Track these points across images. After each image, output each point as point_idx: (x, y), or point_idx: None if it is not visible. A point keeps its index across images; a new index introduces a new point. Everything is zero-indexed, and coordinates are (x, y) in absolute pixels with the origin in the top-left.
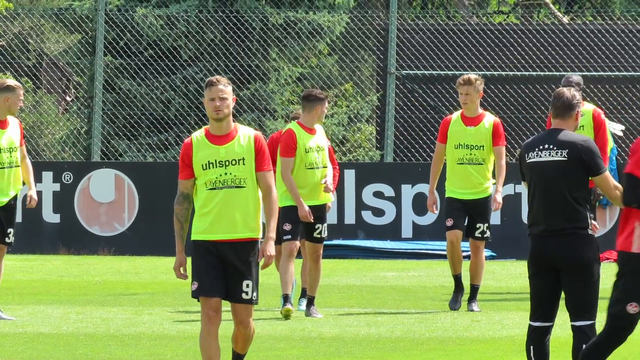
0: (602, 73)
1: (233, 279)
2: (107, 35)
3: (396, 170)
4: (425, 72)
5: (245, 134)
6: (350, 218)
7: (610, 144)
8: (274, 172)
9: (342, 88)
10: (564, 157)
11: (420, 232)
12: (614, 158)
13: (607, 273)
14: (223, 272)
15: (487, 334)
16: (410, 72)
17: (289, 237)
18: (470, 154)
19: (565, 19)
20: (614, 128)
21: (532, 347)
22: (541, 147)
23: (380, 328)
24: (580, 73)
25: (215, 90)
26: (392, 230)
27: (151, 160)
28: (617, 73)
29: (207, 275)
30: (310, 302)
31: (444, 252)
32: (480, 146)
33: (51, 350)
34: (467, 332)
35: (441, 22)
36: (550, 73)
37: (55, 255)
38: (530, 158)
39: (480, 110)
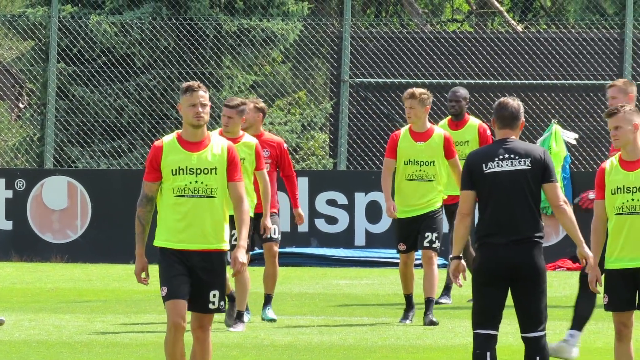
0: (556, 81)
1: (199, 288)
2: (60, 42)
3: (349, 178)
4: (379, 80)
5: (218, 144)
6: (303, 226)
7: (564, 152)
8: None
9: (296, 96)
10: (528, 165)
11: (373, 240)
12: (567, 167)
13: (561, 281)
14: (189, 280)
15: (440, 342)
16: (364, 80)
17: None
18: (420, 170)
19: (520, 28)
20: (568, 137)
21: (488, 353)
22: (500, 157)
23: (332, 336)
24: (535, 81)
25: (197, 96)
26: (345, 238)
27: (104, 167)
28: (571, 81)
29: (173, 277)
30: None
31: (397, 260)
32: (431, 162)
33: (3, 357)
34: (419, 340)
35: (395, 30)
36: (505, 81)
37: (7, 263)
38: (489, 168)
39: (429, 125)
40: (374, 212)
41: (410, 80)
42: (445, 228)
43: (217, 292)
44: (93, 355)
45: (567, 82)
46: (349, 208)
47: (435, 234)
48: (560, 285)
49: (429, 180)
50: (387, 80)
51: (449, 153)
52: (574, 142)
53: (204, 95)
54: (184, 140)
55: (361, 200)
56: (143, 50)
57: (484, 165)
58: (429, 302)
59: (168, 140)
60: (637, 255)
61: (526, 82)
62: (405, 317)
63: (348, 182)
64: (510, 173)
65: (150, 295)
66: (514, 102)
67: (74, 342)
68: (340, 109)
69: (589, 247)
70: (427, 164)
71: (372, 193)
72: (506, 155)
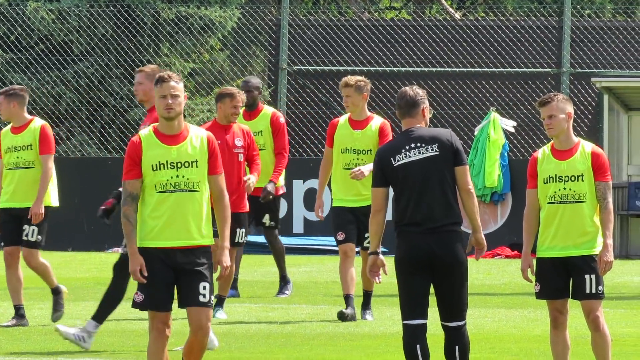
0: (494, 69)
1: (188, 283)
2: None
3: (288, 166)
4: (317, 67)
5: (197, 135)
6: None
7: (502, 140)
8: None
9: (234, 84)
10: (436, 151)
11: (311, 228)
12: (505, 154)
13: (499, 269)
14: (174, 280)
15: (378, 329)
16: (302, 67)
17: None
18: (358, 159)
19: (458, 15)
20: (506, 124)
21: (418, 345)
22: (407, 147)
23: (271, 323)
24: (473, 69)
25: (167, 87)
26: (284, 226)
27: None
28: (509, 69)
29: (154, 287)
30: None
31: (336, 248)
32: (368, 150)
33: None
34: (358, 327)
35: (333, 18)
36: (443, 69)
37: None
38: (398, 161)
39: (369, 113)
40: (312, 200)
41: (349, 68)
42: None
43: (207, 285)
44: (31, 343)
45: (506, 70)
46: (287, 196)
47: None
48: (499, 273)
49: None
50: (325, 67)
51: (382, 140)
52: (512, 130)
53: (175, 86)
54: (161, 134)
55: (299, 188)
56: (81, 37)
57: (392, 159)
58: (367, 296)
59: (145, 134)
60: (569, 244)
61: (464, 69)
62: (341, 314)
63: (286, 169)
64: (420, 162)
65: (88, 282)
66: (411, 90)
67: (12, 329)
68: (278, 96)
69: (522, 236)
70: (364, 152)
71: (310, 181)
72: (412, 145)
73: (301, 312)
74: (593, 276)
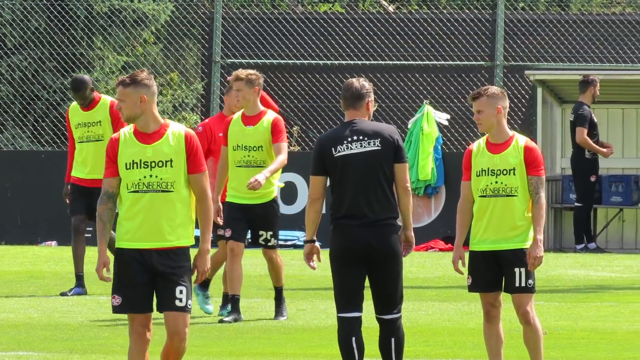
0: (428, 62)
1: (164, 287)
2: None
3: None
4: (251, 60)
5: (175, 132)
6: None
7: (436, 133)
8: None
9: (168, 77)
10: (378, 146)
11: None
12: (439, 147)
13: (433, 262)
14: (151, 282)
15: (312, 322)
16: (236, 60)
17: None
18: (249, 156)
19: (391, 8)
20: (440, 117)
21: (353, 338)
22: (349, 139)
23: (204, 317)
24: (407, 62)
25: (118, 93)
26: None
27: None
28: (443, 62)
29: (131, 289)
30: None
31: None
32: (259, 147)
33: None
34: (291, 321)
35: (266, 11)
36: (376, 62)
37: None
38: (339, 152)
39: (262, 108)
40: None
41: (282, 61)
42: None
43: (183, 289)
44: None
45: (439, 63)
46: None
47: (270, 232)
48: (433, 266)
49: (258, 167)
50: (259, 61)
51: (275, 136)
52: (446, 123)
53: (121, 90)
54: (139, 132)
55: None
56: (14, 31)
57: (333, 148)
58: (278, 292)
59: (125, 132)
60: (499, 238)
61: (398, 63)
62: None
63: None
64: (361, 155)
65: (22, 276)
66: (358, 82)
67: None
68: (211, 89)
69: (455, 228)
70: (255, 149)
71: None
72: (355, 137)
73: None
74: (523, 270)
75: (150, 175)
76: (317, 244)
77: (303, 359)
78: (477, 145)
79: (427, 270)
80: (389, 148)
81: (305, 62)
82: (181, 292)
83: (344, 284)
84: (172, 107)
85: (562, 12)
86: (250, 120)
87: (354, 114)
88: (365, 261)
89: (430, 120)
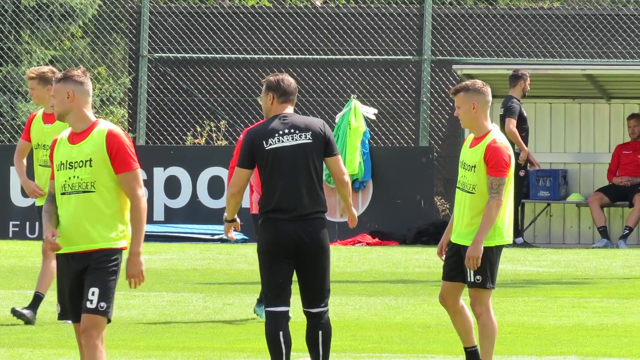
0: (355, 57)
1: (85, 289)
2: None
3: (148, 153)
4: (178, 55)
5: (100, 131)
6: None
7: (363, 127)
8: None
9: (95, 71)
10: (309, 139)
11: (172, 215)
12: (366, 142)
13: (360, 257)
14: (82, 287)
15: (239, 317)
16: (163, 54)
17: None
18: (46, 155)
19: (318, 3)
20: (367, 112)
21: (281, 332)
22: (281, 132)
23: (132, 311)
24: (334, 57)
25: (52, 89)
26: None
27: None
28: (370, 57)
29: (67, 297)
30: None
31: (196, 236)
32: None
33: None
34: (219, 315)
35: (194, 5)
36: (304, 56)
37: None
38: (270, 145)
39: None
40: (172, 187)
41: (209, 56)
42: None
43: (96, 290)
44: None
45: (367, 57)
46: (148, 183)
47: None
48: (360, 261)
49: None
50: (186, 55)
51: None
52: (373, 117)
53: (53, 86)
54: (72, 133)
55: (160, 175)
56: None
57: (264, 141)
58: (37, 299)
59: (65, 133)
60: (460, 232)
61: (325, 57)
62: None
63: (147, 157)
64: (292, 148)
65: None
66: (288, 77)
67: None
68: (139, 83)
69: (382, 224)
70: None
71: (171, 168)
72: (286, 130)
73: (162, 299)
74: None
75: (74, 177)
76: (237, 219)
77: (230, 353)
78: (468, 138)
79: (354, 264)
80: (320, 141)
81: (233, 56)
82: (93, 293)
83: (273, 278)
84: (99, 101)
85: (490, 7)
86: (50, 118)
87: (286, 108)
88: (294, 255)
89: (358, 114)
